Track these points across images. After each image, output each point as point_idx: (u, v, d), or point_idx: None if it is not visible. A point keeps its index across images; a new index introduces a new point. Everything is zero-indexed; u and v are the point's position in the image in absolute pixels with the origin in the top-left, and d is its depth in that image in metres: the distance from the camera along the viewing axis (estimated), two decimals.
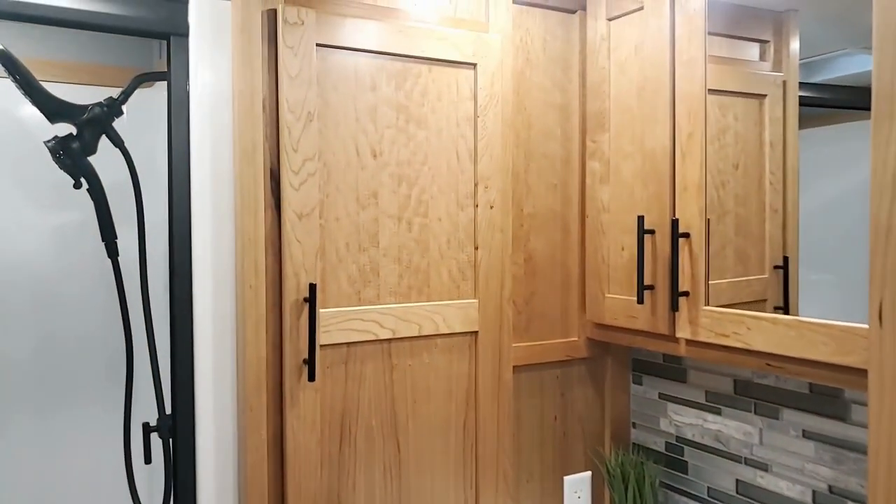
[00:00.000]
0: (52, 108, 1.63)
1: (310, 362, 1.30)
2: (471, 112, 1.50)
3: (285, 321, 1.31)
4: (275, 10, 1.29)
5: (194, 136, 1.29)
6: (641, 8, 1.47)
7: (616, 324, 1.59)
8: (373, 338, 1.40)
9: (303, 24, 1.29)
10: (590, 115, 1.65)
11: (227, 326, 1.34)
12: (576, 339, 1.73)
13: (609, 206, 1.61)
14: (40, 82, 1.62)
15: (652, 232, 1.46)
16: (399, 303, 1.43)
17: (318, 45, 1.32)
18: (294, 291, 1.31)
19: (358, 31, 1.35)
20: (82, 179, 1.71)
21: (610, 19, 1.57)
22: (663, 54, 1.42)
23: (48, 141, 1.66)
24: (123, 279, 1.78)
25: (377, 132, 1.40)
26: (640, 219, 1.45)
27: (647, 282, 1.48)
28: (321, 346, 1.34)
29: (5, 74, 1.57)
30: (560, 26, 1.67)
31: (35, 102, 1.60)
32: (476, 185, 1.51)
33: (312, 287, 1.30)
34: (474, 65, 1.49)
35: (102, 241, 1.76)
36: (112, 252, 1.77)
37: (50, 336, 2.08)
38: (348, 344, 1.38)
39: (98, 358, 2.15)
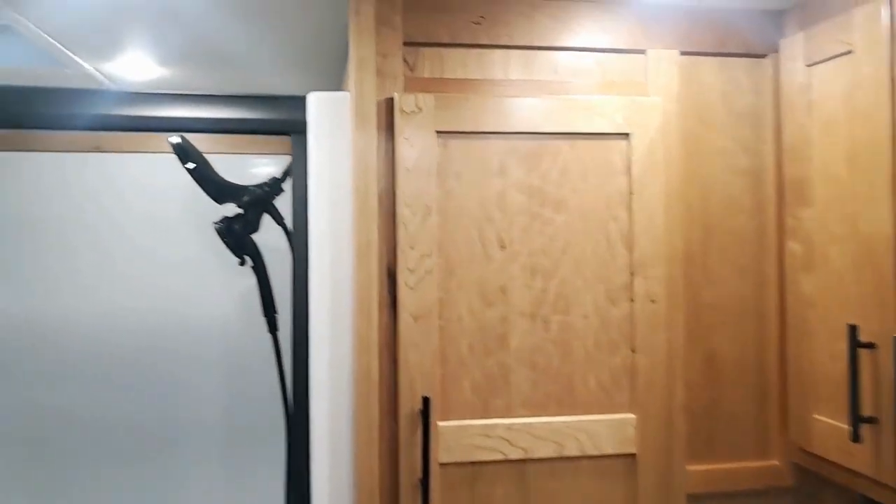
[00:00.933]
0: (219, 192, 1.76)
1: (424, 484, 1.19)
2: (624, 188, 1.29)
3: (401, 433, 1.22)
4: (391, 100, 1.23)
5: (313, 231, 1.27)
6: (850, 51, 1.15)
7: (827, 456, 1.24)
8: (502, 457, 1.25)
9: (421, 111, 1.21)
10: (788, 184, 1.34)
11: (344, 433, 1.28)
12: (776, 462, 1.40)
13: (814, 299, 1.28)
14: (212, 169, 1.75)
15: (871, 346, 1.12)
16: (534, 416, 1.27)
17: (437, 131, 1.23)
18: (409, 401, 1.22)
19: (483, 112, 1.23)
20: (246, 257, 1.81)
21: (810, 65, 1.26)
22: (882, 110, 1.08)
23: (217, 222, 1.78)
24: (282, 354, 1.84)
25: (506, 220, 1.26)
26: (853, 329, 1.11)
27: (865, 412, 1.13)
28: (441, 464, 1.23)
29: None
30: (746, 75, 1.38)
31: (204, 189, 1.74)
32: (632, 274, 1.29)
33: (426, 401, 1.19)
34: (627, 134, 1.28)
35: (263, 316, 1.85)
36: (272, 327, 1.85)
37: (236, 388, 2.24)
38: (473, 463, 1.25)
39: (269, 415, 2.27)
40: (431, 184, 1.23)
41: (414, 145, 1.22)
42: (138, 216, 2.19)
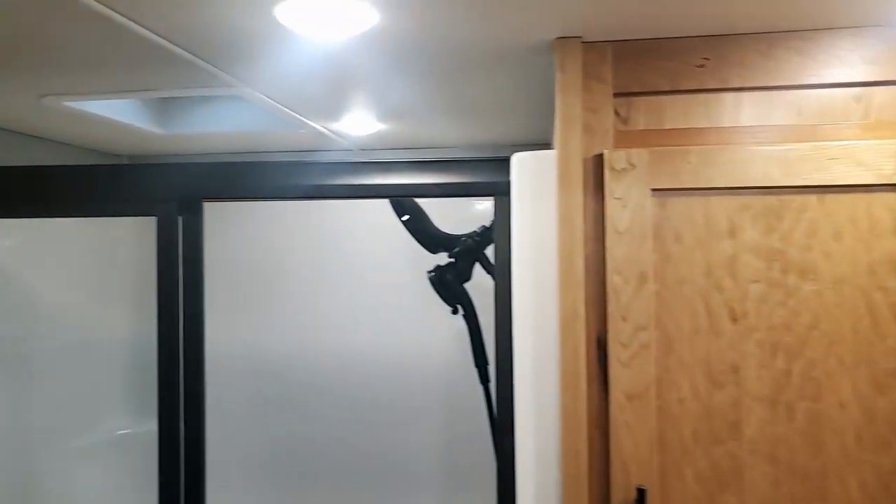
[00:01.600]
0: (432, 242, 1.79)
1: None
2: (894, 252, 1.06)
3: None
4: (600, 156, 1.14)
5: (516, 295, 1.22)
6: None
7: None
8: None
9: (634, 167, 1.11)
10: None
11: None
12: None
13: None
14: (426, 218, 1.79)
15: None
16: None
17: (653, 189, 1.11)
18: (622, 490, 1.11)
19: (708, 165, 1.09)
20: (458, 306, 1.83)
21: None
22: None
23: (430, 272, 1.82)
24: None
25: (738, 289, 1.10)
26: None
27: None
28: None
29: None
30: None
31: (417, 239, 1.78)
32: None
33: (641, 492, 1.07)
34: None
35: (475, 366, 1.84)
36: (483, 378, 1.84)
37: (453, 429, 2.27)
38: None
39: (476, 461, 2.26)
40: (646, 248, 1.11)
41: (626, 205, 1.11)
42: (364, 258, 2.32)
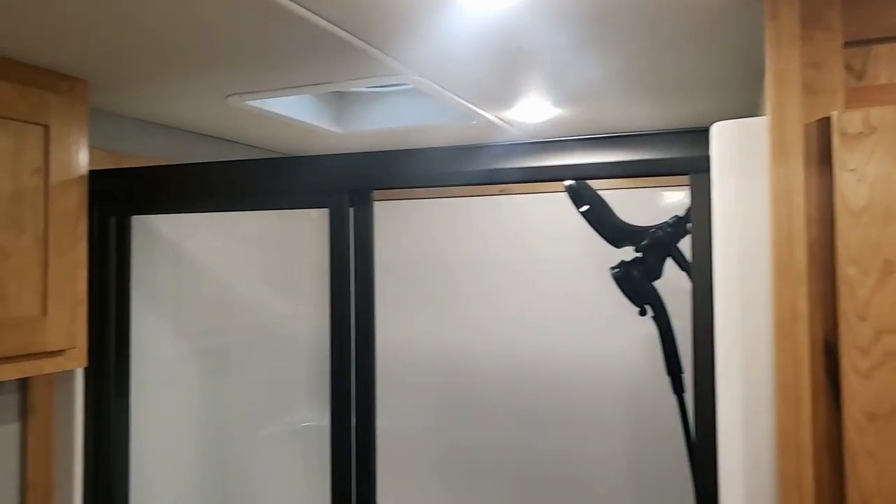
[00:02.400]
0: (616, 235, 1.65)
1: None
2: None
3: None
4: (826, 120, 0.94)
5: (719, 294, 1.05)
6: None
7: None
8: None
9: (874, 131, 0.90)
10: None
11: None
12: None
13: None
14: (608, 210, 1.65)
15: None
16: None
17: None
18: None
19: None
20: (646, 306, 1.66)
21: None
22: None
23: (613, 268, 1.67)
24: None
25: None
26: None
27: None
28: None
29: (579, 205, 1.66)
30: None
31: (599, 232, 1.65)
32: None
33: None
34: None
35: (667, 374, 1.66)
36: (677, 388, 1.66)
37: (642, 437, 2.10)
38: None
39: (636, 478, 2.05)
40: (892, 230, 0.90)
41: (863, 178, 0.91)
42: (542, 256, 2.22)
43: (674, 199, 2.11)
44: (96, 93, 1.47)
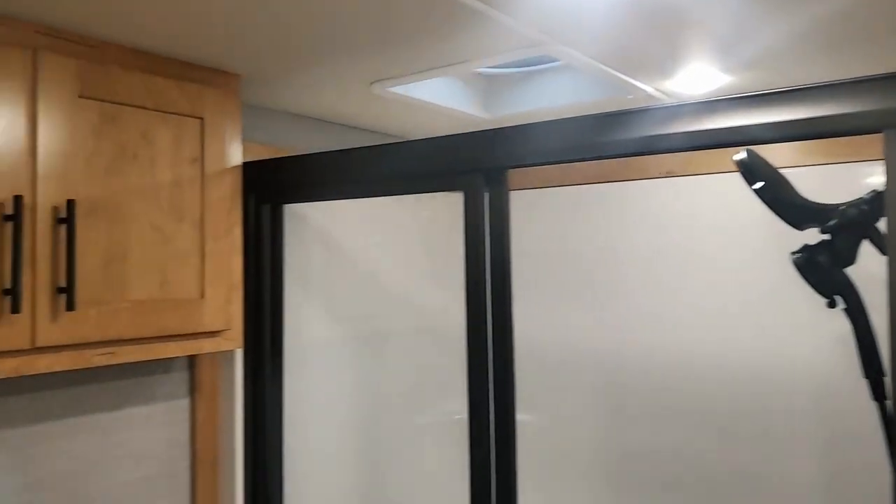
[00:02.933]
0: (797, 215, 1.44)
1: None
2: None
3: None
4: None
5: None
6: None
7: None
8: None
9: None
10: None
11: None
12: None
13: None
14: (787, 186, 1.45)
15: None
16: None
17: None
18: None
19: None
20: (836, 297, 1.43)
21: None
22: None
23: (795, 253, 1.46)
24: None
25: None
26: None
27: None
28: None
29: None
30: None
31: (777, 212, 1.44)
32: None
33: None
34: None
35: (864, 377, 1.42)
36: (877, 393, 1.41)
37: (834, 449, 1.83)
38: None
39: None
40: None
41: None
42: (711, 244, 2.02)
43: (868, 181, 1.81)
44: (250, 87, 1.55)
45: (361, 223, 1.99)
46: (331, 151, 1.45)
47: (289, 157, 1.53)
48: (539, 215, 2.27)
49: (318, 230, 1.85)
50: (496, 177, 1.24)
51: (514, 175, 1.25)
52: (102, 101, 1.21)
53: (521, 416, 1.29)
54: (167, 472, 1.52)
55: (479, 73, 1.83)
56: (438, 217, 2.27)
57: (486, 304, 1.25)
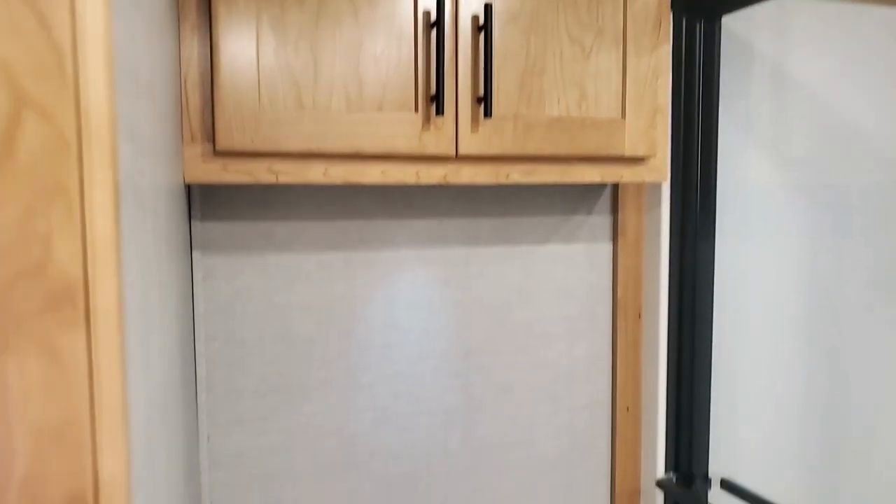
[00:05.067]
0: None
1: None
2: None
3: None
4: None
5: None
6: None
7: None
8: None
9: None
10: None
11: None
12: None
13: None
14: None
15: None
16: None
17: None
18: None
19: None
20: None
21: None
22: None
23: None
24: None
25: None
26: None
27: None
28: None
29: None
30: None
31: None
32: None
33: None
34: None
35: None
36: None
37: None
38: None
39: None
40: None
41: None
42: None
43: None
44: None
45: (821, 52, 1.59)
46: None
47: None
48: None
49: (763, 57, 1.54)
50: None
51: None
52: None
53: None
54: (587, 314, 1.48)
55: None
56: None
57: None
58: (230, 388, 1.27)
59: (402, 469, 1.38)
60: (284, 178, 1.05)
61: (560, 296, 1.46)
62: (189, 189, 1.23)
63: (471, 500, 1.42)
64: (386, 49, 1.09)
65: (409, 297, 1.36)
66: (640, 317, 1.49)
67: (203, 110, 1.02)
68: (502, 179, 1.17)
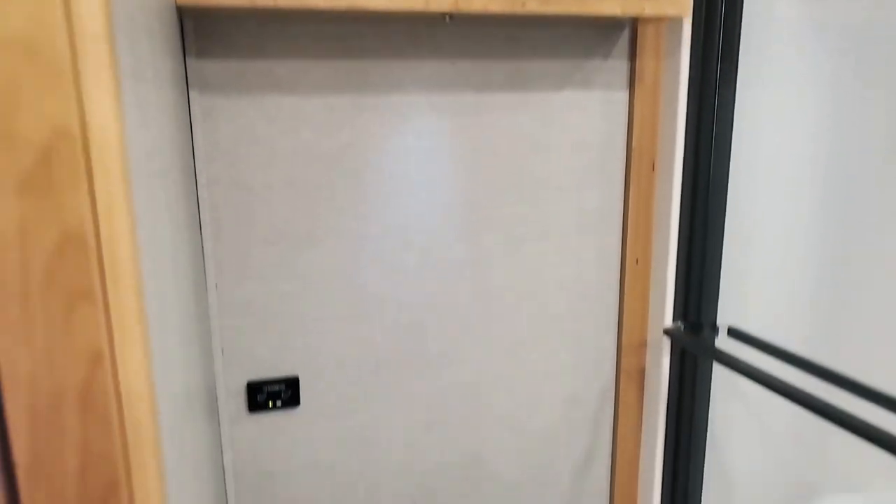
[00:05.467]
0: None
1: None
2: None
3: None
4: None
5: None
6: None
7: None
8: None
9: None
10: None
11: None
12: None
13: None
14: None
15: None
16: None
17: None
18: None
19: None
20: None
21: None
22: None
23: None
24: None
25: None
26: None
27: None
28: None
29: None
30: None
31: None
32: None
33: None
34: None
35: None
36: None
37: None
38: None
39: None
40: None
41: None
42: None
43: None
44: None
45: None
46: None
47: None
48: None
49: None
50: None
51: None
52: None
53: None
54: (600, 165, 1.44)
55: None
56: None
57: None
58: (237, 235, 1.25)
59: (412, 318, 1.38)
60: (284, 1, 0.98)
61: (574, 146, 1.41)
62: (182, 24, 1.15)
63: (481, 348, 1.44)
64: None
65: (418, 146, 1.31)
66: (653, 168, 1.45)
67: None
68: (517, 8, 1.10)
